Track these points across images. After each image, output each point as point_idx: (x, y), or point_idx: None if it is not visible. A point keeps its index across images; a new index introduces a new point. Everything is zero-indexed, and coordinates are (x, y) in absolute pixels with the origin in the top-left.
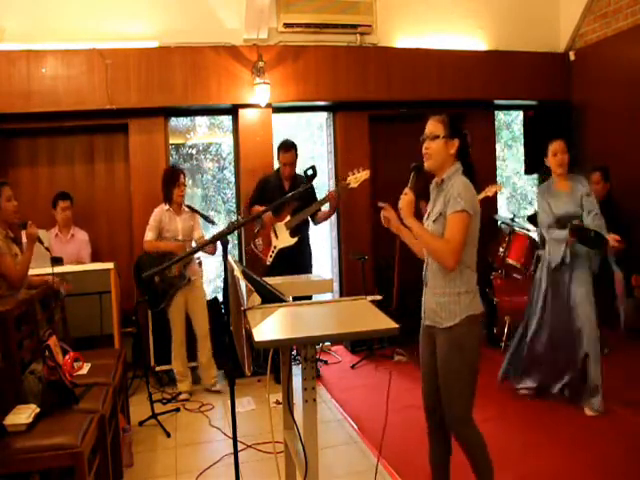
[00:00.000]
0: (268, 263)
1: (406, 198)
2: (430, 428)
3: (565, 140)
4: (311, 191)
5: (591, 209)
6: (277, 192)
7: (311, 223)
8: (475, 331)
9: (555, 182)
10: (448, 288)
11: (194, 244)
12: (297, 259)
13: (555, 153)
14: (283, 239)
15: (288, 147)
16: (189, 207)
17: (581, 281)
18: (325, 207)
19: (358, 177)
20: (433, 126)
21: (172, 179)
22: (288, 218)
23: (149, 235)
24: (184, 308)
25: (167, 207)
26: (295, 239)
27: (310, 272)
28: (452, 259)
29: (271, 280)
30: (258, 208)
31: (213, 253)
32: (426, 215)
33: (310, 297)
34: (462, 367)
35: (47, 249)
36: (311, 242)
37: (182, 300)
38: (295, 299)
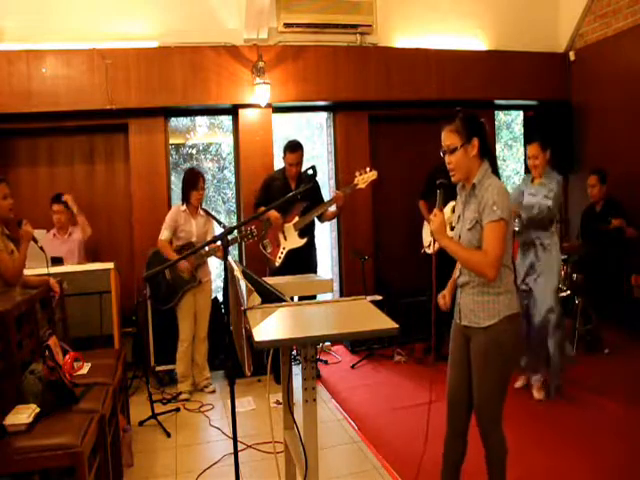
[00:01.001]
0: (277, 264)
1: (437, 220)
2: (450, 431)
3: (540, 143)
4: (316, 190)
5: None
6: (284, 192)
7: (317, 222)
8: (514, 330)
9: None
10: (487, 287)
11: (207, 249)
12: (305, 259)
13: (529, 157)
14: (292, 240)
15: (295, 148)
16: (205, 211)
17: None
18: (332, 207)
19: (366, 177)
20: (448, 138)
21: (192, 182)
22: (296, 219)
23: (164, 234)
24: (193, 308)
25: (184, 208)
26: (304, 240)
27: (316, 272)
28: (492, 271)
29: (271, 280)
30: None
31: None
32: (456, 218)
33: (314, 297)
34: (499, 366)
35: (41, 248)
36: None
37: (191, 300)
38: (301, 299)
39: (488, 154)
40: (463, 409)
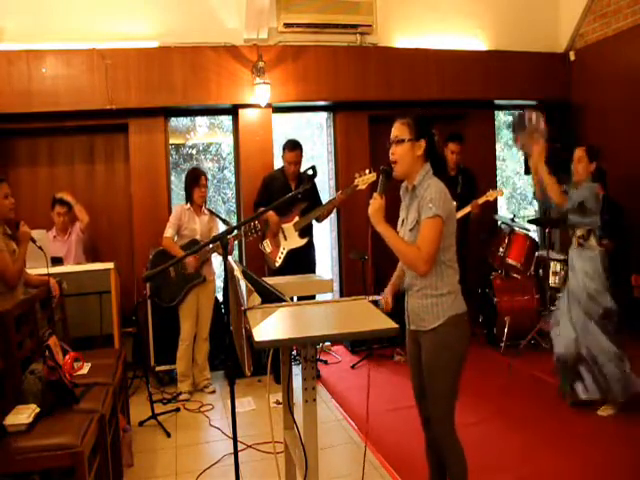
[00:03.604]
0: (277, 265)
1: (375, 203)
2: (425, 435)
3: (587, 148)
4: (314, 191)
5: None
6: (283, 192)
7: (314, 222)
8: (460, 331)
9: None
10: (430, 290)
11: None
12: (304, 259)
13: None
14: (292, 240)
15: (293, 146)
16: (209, 210)
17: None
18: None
19: (365, 179)
20: (398, 129)
21: (193, 180)
22: (296, 219)
23: (169, 232)
24: (195, 308)
25: (188, 206)
26: (305, 240)
27: (314, 272)
28: (424, 266)
29: (271, 280)
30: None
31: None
32: (400, 222)
33: (314, 297)
34: (447, 367)
35: (40, 248)
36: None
37: (194, 298)
38: (300, 299)
39: (434, 159)
40: (427, 409)
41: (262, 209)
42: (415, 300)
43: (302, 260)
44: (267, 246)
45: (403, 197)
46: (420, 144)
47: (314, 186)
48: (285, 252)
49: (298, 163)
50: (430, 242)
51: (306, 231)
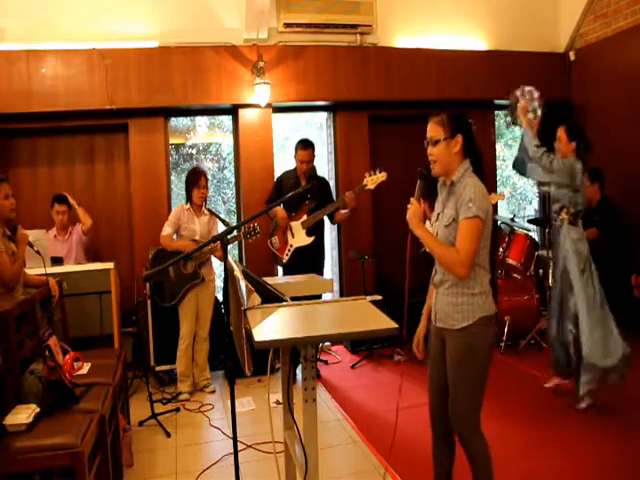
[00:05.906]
0: (284, 261)
1: (413, 209)
2: (434, 434)
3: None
4: (326, 189)
5: None
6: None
7: (327, 223)
8: (488, 332)
9: None
10: (462, 289)
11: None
12: (312, 258)
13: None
14: (299, 238)
15: (306, 145)
16: (209, 210)
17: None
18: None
19: (375, 179)
20: (432, 130)
21: (193, 181)
22: (305, 217)
23: (167, 230)
24: (195, 307)
25: (187, 206)
26: (311, 238)
27: (322, 272)
28: (463, 270)
29: (271, 280)
30: (277, 208)
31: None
32: (435, 216)
33: (320, 296)
34: (474, 369)
35: (38, 252)
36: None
37: (194, 298)
38: (307, 299)
39: (473, 155)
40: (443, 411)
41: (277, 207)
42: (445, 297)
43: (310, 259)
44: (275, 242)
45: (440, 191)
46: (456, 140)
47: (326, 186)
48: (292, 249)
49: (310, 162)
50: (469, 245)
51: (314, 230)
